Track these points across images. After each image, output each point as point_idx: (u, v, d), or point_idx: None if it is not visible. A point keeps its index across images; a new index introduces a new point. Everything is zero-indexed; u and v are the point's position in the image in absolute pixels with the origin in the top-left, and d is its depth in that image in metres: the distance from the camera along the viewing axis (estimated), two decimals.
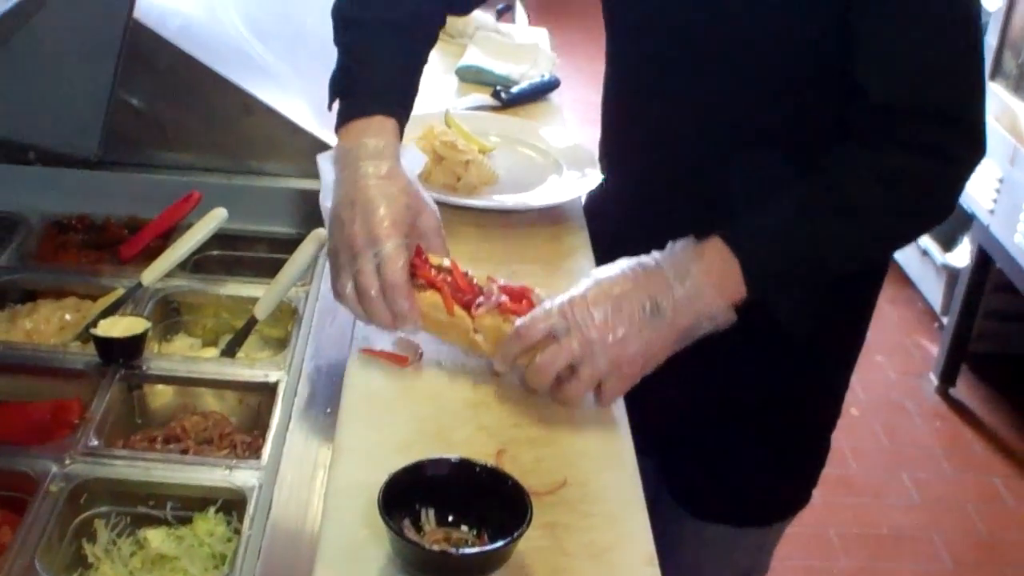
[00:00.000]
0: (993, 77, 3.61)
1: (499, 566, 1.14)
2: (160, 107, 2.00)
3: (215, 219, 1.79)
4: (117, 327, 1.57)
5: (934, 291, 4.44)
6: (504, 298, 1.38)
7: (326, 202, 1.45)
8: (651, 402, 1.40)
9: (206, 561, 1.35)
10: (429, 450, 1.29)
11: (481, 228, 1.81)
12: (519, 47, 2.73)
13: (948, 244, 4.22)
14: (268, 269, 1.77)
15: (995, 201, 3.62)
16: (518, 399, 1.42)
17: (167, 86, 1.97)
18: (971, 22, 1.38)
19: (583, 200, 1.93)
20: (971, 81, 1.40)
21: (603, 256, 1.72)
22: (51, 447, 1.41)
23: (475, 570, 1.14)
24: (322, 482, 1.32)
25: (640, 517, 1.27)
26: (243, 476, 1.37)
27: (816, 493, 1.82)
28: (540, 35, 2.94)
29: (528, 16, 3.24)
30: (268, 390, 1.54)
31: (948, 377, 4.12)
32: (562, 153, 2.06)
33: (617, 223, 1.75)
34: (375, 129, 1.44)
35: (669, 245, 1.38)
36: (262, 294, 1.69)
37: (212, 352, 1.72)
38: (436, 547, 1.15)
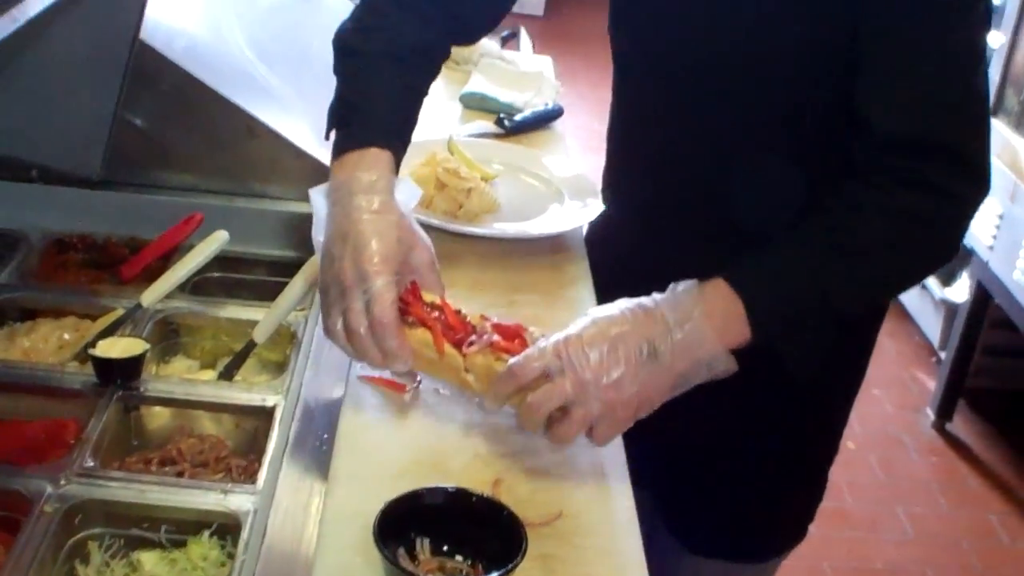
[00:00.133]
0: (995, 113, 3.62)
1: None
2: (164, 128, 2.00)
3: (216, 241, 1.79)
4: (116, 348, 1.57)
5: (932, 325, 4.45)
6: (496, 337, 1.36)
7: (318, 236, 1.43)
8: (649, 435, 1.40)
9: None
10: (425, 478, 1.29)
11: (482, 256, 1.82)
12: (523, 75, 2.74)
13: (947, 279, 4.22)
14: (268, 292, 1.77)
15: (995, 237, 3.62)
16: (516, 429, 1.42)
17: (171, 107, 1.98)
18: (978, 59, 1.38)
19: (584, 230, 1.93)
20: (977, 119, 1.39)
21: (604, 286, 1.72)
22: (46, 467, 1.40)
23: None
24: (317, 508, 1.32)
25: (635, 551, 1.27)
26: (238, 500, 1.37)
27: (811, 526, 1.81)
28: (544, 63, 2.95)
29: (533, 43, 3.24)
30: (265, 414, 1.54)
31: (945, 412, 4.12)
32: (564, 182, 2.06)
33: (620, 252, 1.75)
34: (369, 162, 1.42)
35: (671, 287, 1.35)
36: (261, 317, 1.69)
37: (210, 374, 1.72)
38: None
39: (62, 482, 1.37)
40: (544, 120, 2.49)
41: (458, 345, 1.36)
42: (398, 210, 1.40)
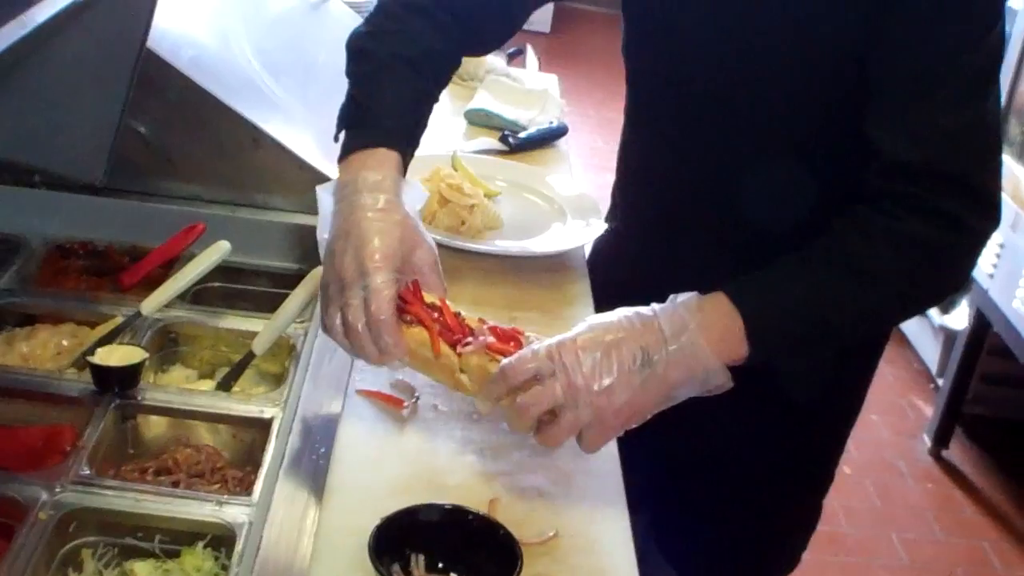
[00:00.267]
0: None
1: None
2: (168, 136, 2.00)
3: (218, 252, 1.79)
4: (114, 355, 1.57)
5: (931, 352, 4.45)
6: (492, 339, 1.35)
7: (323, 234, 1.43)
8: (645, 460, 1.40)
9: None
10: (422, 494, 1.29)
11: (483, 273, 1.82)
12: (529, 92, 2.75)
13: (946, 306, 4.22)
14: (268, 304, 1.77)
15: (995, 266, 3.63)
16: (513, 447, 1.42)
17: (176, 116, 1.98)
18: (991, 88, 1.37)
19: (586, 249, 1.93)
20: (988, 149, 1.38)
21: (610, 303, 1.72)
22: (42, 474, 1.40)
23: None
24: (313, 522, 1.31)
25: (629, 574, 1.26)
26: (233, 512, 1.36)
27: (805, 551, 1.81)
28: (550, 81, 2.96)
29: (539, 61, 3.25)
30: (262, 426, 1.53)
31: (941, 439, 4.11)
32: (567, 201, 2.07)
33: (628, 269, 1.75)
34: (376, 162, 1.42)
35: (671, 298, 1.34)
36: (261, 329, 1.69)
37: (208, 384, 1.71)
38: None
39: (57, 489, 1.36)
40: (548, 138, 2.49)
41: (455, 346, 1.36)
42: (403, 210, 1.40)
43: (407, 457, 1.40)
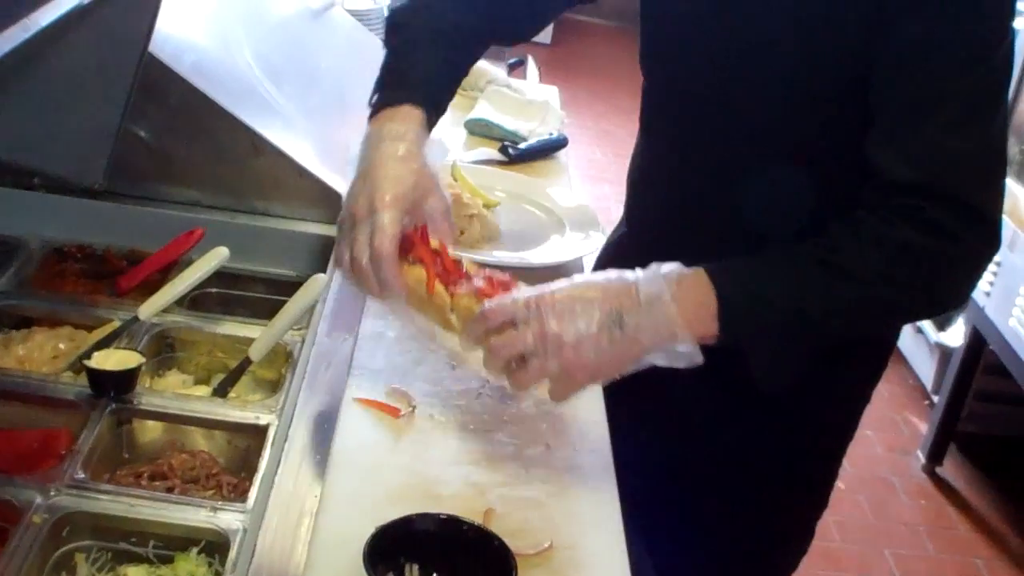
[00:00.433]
0: None
1: None
2: (168, 141, 2.00)
3: (216, 258, 1.79)
4: (110, 360, 1.57)
5: (926, 369, 4.45)
6: (482, 284, 1.42)
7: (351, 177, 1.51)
8: (640, 474, 1.40)
9: None
10: (417, 504, 1.29)
11: None
12: (529, 103, 2.75)
13: (942, 323, 4.22)
14: (266, 310, 1.76)
15: (991, 284, 3.63)
16: (509, 458, 1.42)
17: (177, 121, 1.98)
18: (998, 112, 1.36)
19: (585, 261, 1.93)
20: (989, 171, 1.37)
21: None
22: (36, 477, 1.39)
23: None
24: (307, 529, 1.31)
25: None
26: (228, 518, 1.36)
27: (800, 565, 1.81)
28: (550, 92, 2.96)
29: (540, 72, 3.25)
30: (258, 433, 1.53)
31: (936, 456, 4.11)
32: (567, 213, 2.07)
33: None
34: (401, 117, 1.51)
35: (654, 266, 1.38)
36: (258, 335, 1.69)
37: (204, 390, 1.71)
38: None
39: (52, 493, 1.36)
40: (548, 149, 2.50)
41: (450, 287, 1.44)
42: (422, 159, 1.48)
43: (403, 466, 1.40)
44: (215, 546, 1.35)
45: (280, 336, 1.69)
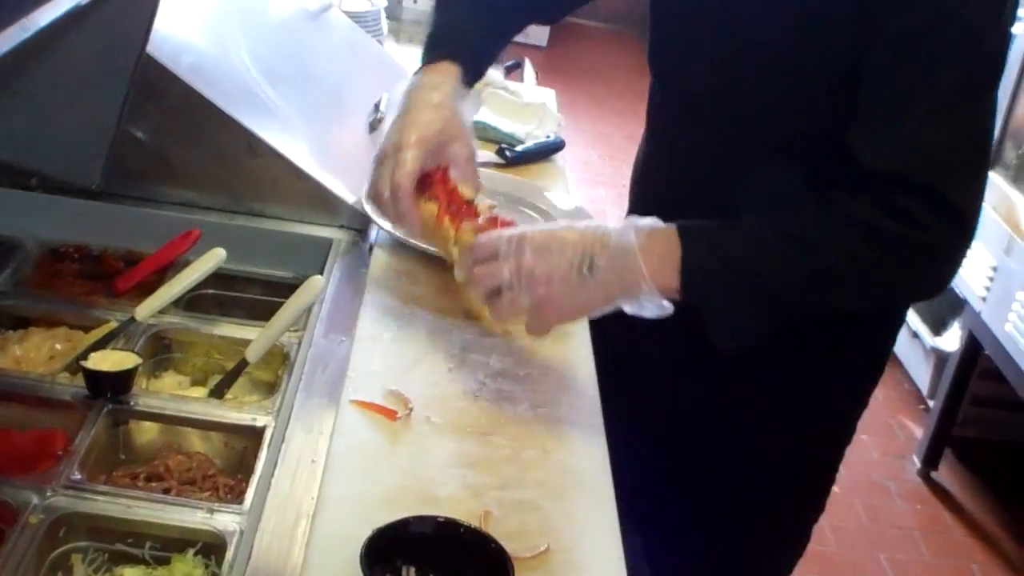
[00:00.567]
0: (993, 166, 3.63)
1: None
2: (166, 142, 2.00)
3: (214, 259, 1.78)
4: (107, 360, 1.56)
5: (922, 373, 4.45)
6: (483, 221, 1.55)
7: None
8: (637, 477, 1.40)
9: None
10: (414, 506, 1.29)
11: None
12: (526, 106, 2.75)
13: (938, 328, 4.23)
14: (263, 312, 1.76)
15: (988, 289, 3.63)
16: (506, 461, 1.42)
17: (174, 122, 1.97)
18: (983, 105, 1.36)
19: None
20: (968, 165, 1.38)
21: (612, 318, 1.72)
22: (33, 478, 1.39)
23: None
24: (304, 531, 1.31)
25: None
26: (224, 520, 1.36)
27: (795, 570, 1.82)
28: (547, 95, 2.96)
29: (536, 75, 3.25)
30: (255, 434, 1.53)
31: (931, 460, 4.12)
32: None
33: None
34: (440, 70, 1.66)
35: (632, 217, 1.45)
36: (255, 337, 1.68)
37: (200, 391, 1.71)
38: None
39: (48, 494, 1.36)
40: (545, 152, 2.49)
41: (455, 222, 1.57)
42: (453, 108, 1.61)
43: (399, 469, 1.40)
44: (212, 547, 1.35)
45: (277, 338, 1.69)
